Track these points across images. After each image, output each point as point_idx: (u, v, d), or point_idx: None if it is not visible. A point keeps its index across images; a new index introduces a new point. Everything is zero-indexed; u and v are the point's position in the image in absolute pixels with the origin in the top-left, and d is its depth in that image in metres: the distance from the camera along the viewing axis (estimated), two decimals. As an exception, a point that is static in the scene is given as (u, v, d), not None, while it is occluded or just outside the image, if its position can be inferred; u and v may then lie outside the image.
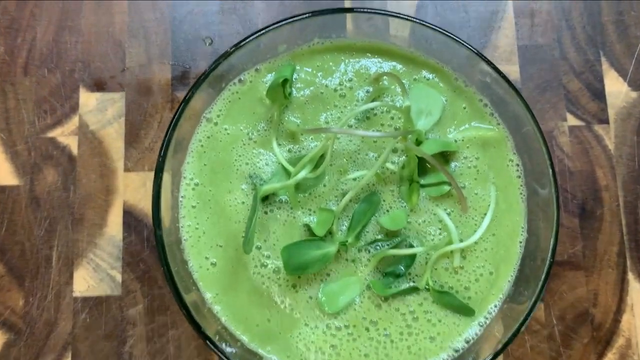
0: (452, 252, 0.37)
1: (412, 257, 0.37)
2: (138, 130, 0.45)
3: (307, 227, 0.37)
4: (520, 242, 0.38)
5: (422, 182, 0.37)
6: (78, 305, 0.43)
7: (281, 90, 0.36)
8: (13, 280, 0.43)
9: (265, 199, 0.37)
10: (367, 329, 0.36)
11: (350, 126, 0.38)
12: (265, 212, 0.37)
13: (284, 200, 0.37)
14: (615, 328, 0.45)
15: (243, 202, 0.37)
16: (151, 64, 0.46)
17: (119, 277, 0.43)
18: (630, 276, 0.45)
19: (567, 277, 0.45)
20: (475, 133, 0.38)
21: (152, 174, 0.45)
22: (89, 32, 0.46)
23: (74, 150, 0.45)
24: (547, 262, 0.35)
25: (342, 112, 0.38)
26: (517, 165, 0.39)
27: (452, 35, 0.36)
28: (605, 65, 0.48)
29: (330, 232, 0.36)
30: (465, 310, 0.36)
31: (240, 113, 0.38)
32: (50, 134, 0.45)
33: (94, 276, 0.43)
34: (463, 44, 0.36)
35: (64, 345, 0.42)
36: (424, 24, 0.36)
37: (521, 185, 0.38)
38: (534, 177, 0.38)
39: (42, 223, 0.44)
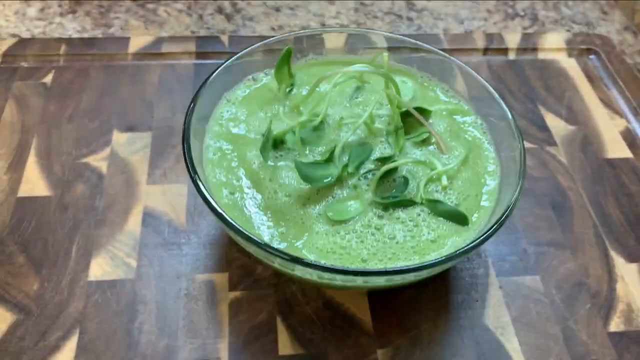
0: (438, 175, 0.42)
1: (406, 182, 0.42)
2: (161, 156, 0.53)
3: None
4: (496, 173, 0.44)
5: (405, 131, 0.45)
6: (92, 288, 0.44)
7: (287, 68, 0.46)
8: (31, 268, 0.45)
9: (275, 147, 0.43)
10: (373, 234, 0.39)
11: (342, 119, 0.47)
12: (276, 157, 0.43)
13: (291, 148, 0.43)
14: (613, 295, 0.46)
15: (258, 156, 0.43)
16: (175, 115, 0.56)
17: (134, 264, 0.45)
18: (612, 253, 0.49)
19: (554, 254, 0.48)
20: (444, 106, 0.48)
21: (171, 185, 0.51)
22: (124, 97, 0.57)
23: (104, 170, 0.51)
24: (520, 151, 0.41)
25: (337, 100, 0.47)
26: (482, 124, 0.47)
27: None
28: (542, 110, 0.60)
29: (332, 161, 0.42)
30: (458, 217, 0.40)
31: (254, 98, 0.47)
32: (84, 160, 0.52)
33: (110, 263, 0.45)
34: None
35: (73, 323, 0.42)
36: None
37: (488, 138, 0.46)
38: (497, 134, 0.46)
39: (66, 223, 0.47)
